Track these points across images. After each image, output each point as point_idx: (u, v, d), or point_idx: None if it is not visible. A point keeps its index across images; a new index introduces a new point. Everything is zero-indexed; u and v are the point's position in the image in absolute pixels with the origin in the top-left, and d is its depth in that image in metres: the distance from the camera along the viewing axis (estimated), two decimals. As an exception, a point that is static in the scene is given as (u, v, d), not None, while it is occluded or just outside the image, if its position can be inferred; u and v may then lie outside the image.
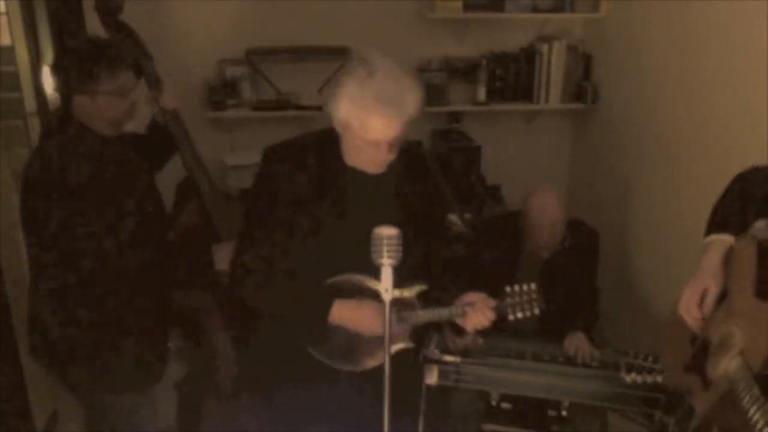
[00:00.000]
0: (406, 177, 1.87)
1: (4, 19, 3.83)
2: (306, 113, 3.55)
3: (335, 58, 3.58)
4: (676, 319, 1.74)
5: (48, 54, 3.14)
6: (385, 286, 1.55)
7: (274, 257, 1.83)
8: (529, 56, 3.74)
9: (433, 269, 1.94)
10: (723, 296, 1.68)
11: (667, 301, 1.86)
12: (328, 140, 1.82)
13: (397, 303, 1.66)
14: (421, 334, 2.23)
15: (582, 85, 3.74)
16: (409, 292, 1.81)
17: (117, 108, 2.04)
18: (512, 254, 2.83)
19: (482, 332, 2.13)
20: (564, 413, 2.60)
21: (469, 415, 2.67)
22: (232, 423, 2.15)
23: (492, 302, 1.85)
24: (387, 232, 1.51)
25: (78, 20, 3.18)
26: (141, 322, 2.11)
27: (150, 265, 2.09)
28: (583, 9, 3.70)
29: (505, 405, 2.64)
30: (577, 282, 2.83)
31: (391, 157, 1.77)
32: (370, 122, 1.68)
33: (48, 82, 2.92)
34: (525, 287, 1.86)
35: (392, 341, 1.68)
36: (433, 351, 2.56)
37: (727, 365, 1.55)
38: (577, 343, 2.65)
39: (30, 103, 3.92)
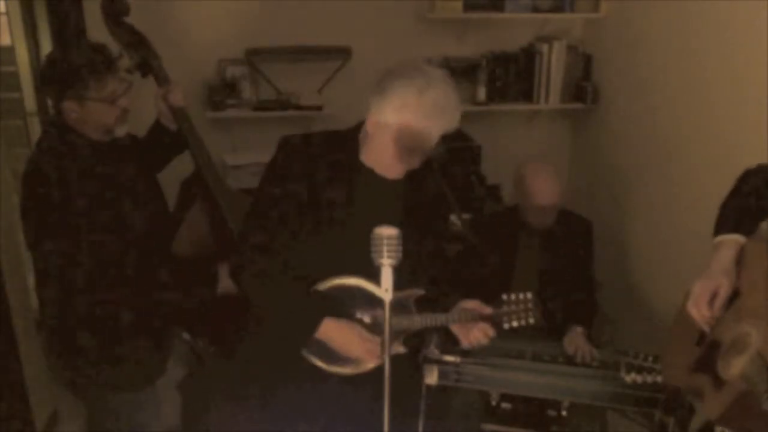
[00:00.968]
0: (411, 178, 1.87)
1: (4, 19, 3.84)
2: (306, 113, 3.55)
3: (335, 58, 3.58)
4: (680, 318, 1.73)
5: (48, 54, 3.13)
6: (385, 286, 1.55)
7: (278, 244, 1.82)
8: (529, 56, 3.74)
9: (434, 271, 1.95)
10: (731, 298, 1.67)
11: (667, 301, 1.86)
12: (347, 138, 1.84)
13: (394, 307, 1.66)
14: (421, 334, 2.23)
15: (582, 85, 3.74)
16: (406, 296, 1.83)
17: (106, 114, 2.04)
18: (511, 237, 2.85)
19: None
20: (564, 413, 2.61)
21: (469, 415, 2.67)
22: (237, 422, 2.13)
23: (488, 310, 1.88)
24: (387, 232, 1.50)
25: (78, 21, 3.19)
26: (141, 321, 2.11)
27: (150, 265, 2.09)
28: (583, 9, 3.69)
29: (505, 405, 2.64)
30: (574, 269, 2.84)
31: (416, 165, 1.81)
32: (422, 129, 1.73)
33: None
34: (521, 296, 1.89)
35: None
36: (433, 351, 2.56)
37: (744, 365, 1.54)
38: (576, 341, 2.65)
39: (30, 103, 3.93)
